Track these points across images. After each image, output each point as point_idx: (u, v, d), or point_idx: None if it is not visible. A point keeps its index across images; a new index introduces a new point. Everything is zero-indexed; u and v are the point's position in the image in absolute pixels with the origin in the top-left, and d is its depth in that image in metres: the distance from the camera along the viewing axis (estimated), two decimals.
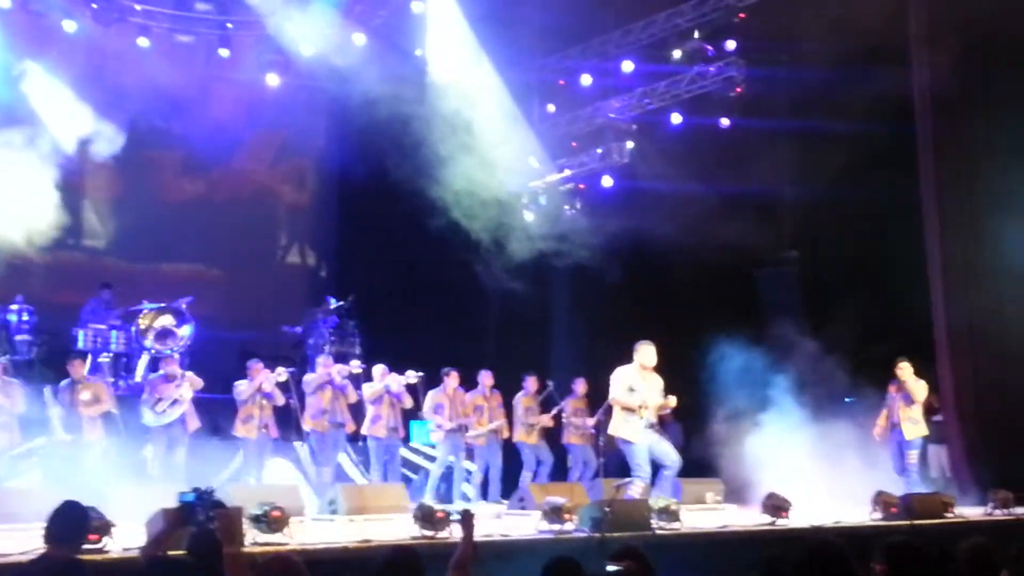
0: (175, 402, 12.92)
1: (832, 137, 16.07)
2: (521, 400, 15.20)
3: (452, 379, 14.34)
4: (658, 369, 12.17)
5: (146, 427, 13.05)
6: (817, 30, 15.42)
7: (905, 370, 13.40)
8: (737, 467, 13.99)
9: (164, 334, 15.50)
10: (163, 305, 15.61)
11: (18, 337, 15.10)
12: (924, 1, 15.36)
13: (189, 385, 13.06)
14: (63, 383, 12.71)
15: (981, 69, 15.14)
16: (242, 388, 13.21)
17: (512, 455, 15.27)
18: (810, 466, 13.45)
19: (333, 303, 16.87)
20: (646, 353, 11.92)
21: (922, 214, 15.47)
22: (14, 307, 15.23)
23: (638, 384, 11.84)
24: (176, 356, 14.16)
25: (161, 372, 13.41)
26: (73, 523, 5.57)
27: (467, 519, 6.14)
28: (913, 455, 13.25)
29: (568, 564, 5.39)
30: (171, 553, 5.96)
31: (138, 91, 18.03)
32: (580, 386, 15.47)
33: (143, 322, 15.56)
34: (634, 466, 11.77)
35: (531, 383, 15.27)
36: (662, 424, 12.85)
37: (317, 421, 13.35)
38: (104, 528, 8.38)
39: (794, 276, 18.30)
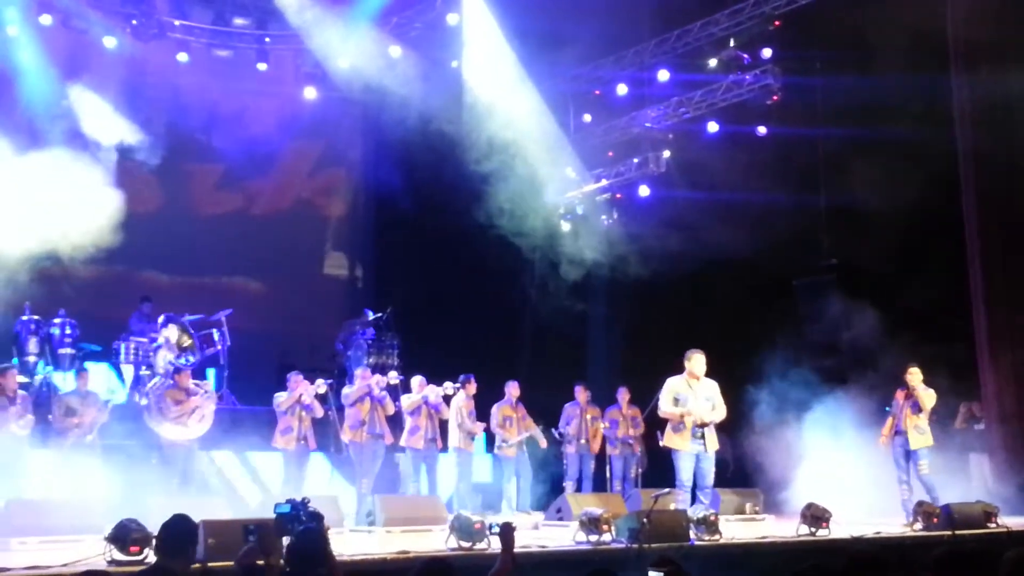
0: (202, 417, 12.91)
1: (871, 145, 15.95)
2: (610, 412, 15.34)
3: (513, 389, 14.67)
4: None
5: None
6: (854, 37, 15.34)
7: (915, 376, 12.98)
8: (777, 477, 13.92)
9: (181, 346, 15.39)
10: (204, 316, 15.67)
11: (61, 350, 15.25)
12: (965, 8, 15.23)
13: (213, 400, 13.06)
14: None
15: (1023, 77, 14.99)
16: (281, 400, 13.26)
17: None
18: (851, 476, 13.34)
19: (371, 315, 16.93)
20: (696, 362, 12.00)
21: (963, 221, 15.33)
22: (57, 320, 15.39)
23: (685, 393, 11.92)
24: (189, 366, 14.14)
25: (175, 383, 13.34)
26: (184, 536, 5.62)
27: (507, 532, 6.14)
28: (924, 465, 12.78)
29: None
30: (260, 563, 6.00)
31: (177, 105, 18.28)
32: (623, 396, 15.46)
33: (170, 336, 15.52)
34: (678, 477, 11.89)
35: (623, 396, 15.41)
36: None
37: (356, 432, 13.37)
38: (145, 540, 8.45)
39: (833, 285, 18.15)
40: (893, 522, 11.92)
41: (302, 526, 5.87)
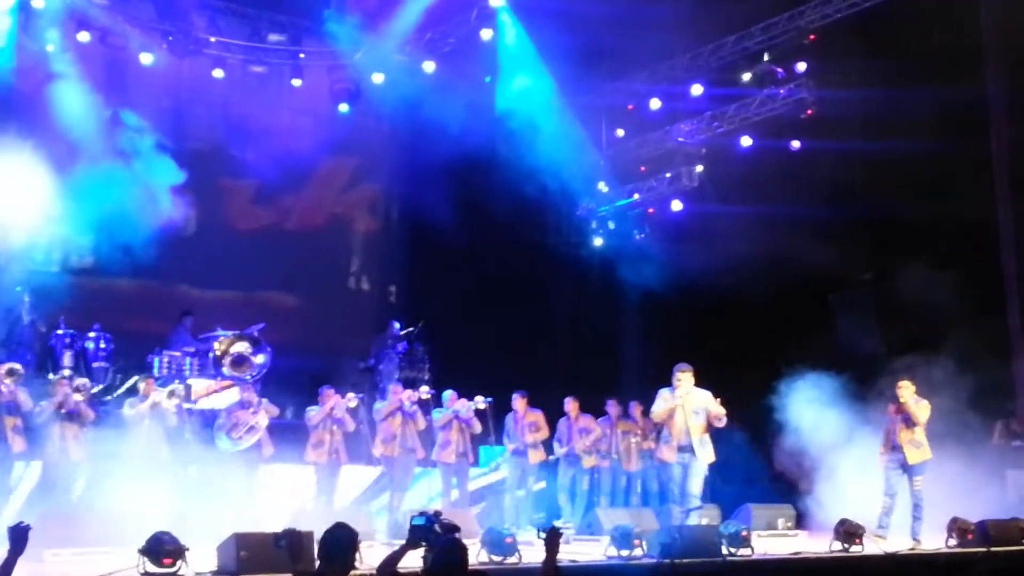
0: (251, 429, 13.00)
1: (905, 157, 15.85)
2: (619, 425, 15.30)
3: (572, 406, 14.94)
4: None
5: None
6: (888, 49, 15.26)
7: (905, 390, 12.53)
8: (812, 492, 13.81)
9: (239, 360, 15.59)
10: (238, 332, 15.74)
11: (96, 364, 15.36)
12: (997, 18, 15.13)
13: (265, 413, 13.15)
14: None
15: None
16: (313, 414, 13.31)
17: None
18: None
19: (402, 329, 16.96)
20: (682, 379, 11.92)
21: (998, 231, 15.20)
22: (92, 334, 15.51)
23: (670, 401, 11.92)
24: (251, 382, 14.30)
25: (238, 399, 13.53)
26: (345, 543, 5.91)
27: (553, 537, 6.11)
28: (919, 481, 12.25)
29: None
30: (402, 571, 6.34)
31: (212, 121, 18.41)
32: (636, 410, 15.39)
33: (219, 348, 15.68)
34: (668, 491, 12.16)
35: (634, 408, 15.38)
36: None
37: (388, 446, 13.40)
38: (178, 552, 8.49)
39: (868, 298, 18.03)
40: (930, 539, 11.74)
41: (439, 538, 6.14)
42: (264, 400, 13.43)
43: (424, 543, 6.30)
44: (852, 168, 17.34)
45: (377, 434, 13.55)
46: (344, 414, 13.30)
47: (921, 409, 12.43)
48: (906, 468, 12.37)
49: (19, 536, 5.77)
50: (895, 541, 11.53)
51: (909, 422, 12.36)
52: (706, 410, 11.84)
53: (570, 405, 14.97)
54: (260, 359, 15.66)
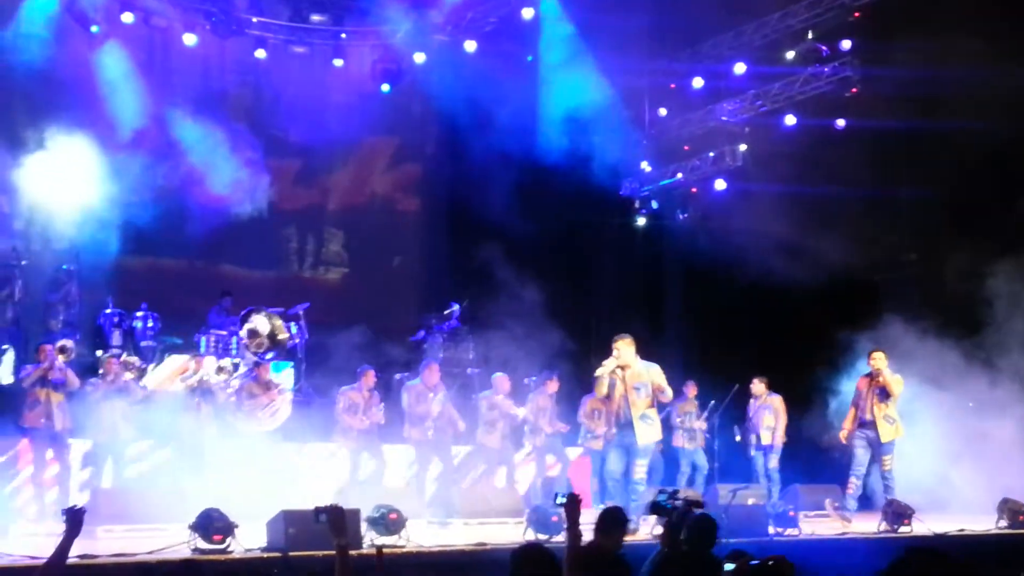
0: (275, 412, 13.01)
1: (951, 136, 15.67)
2: (679, 406, 15.13)
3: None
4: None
5: None
6: (934, 27, 15.07)
7: (879, 360, 11.86)
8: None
9: (252, 333, 14.81)
10: (282, 311, 15.77)
11: (143, 343, 15.51)
12: None
13: (289, 396, 13.16)
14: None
15: None
16: (350, 393, 13.38)
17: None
18: (938, 472, 13.10)
19: (447, 309, 16.99)
20: (622, 348, 10.85)
21: None
22: (139, 313, 15.66)
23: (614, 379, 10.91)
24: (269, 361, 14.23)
25: (256, 377, 13.44)
26: (618, 518, 6.87)
27: (572, 504, 6.11)
28: (888, 460, 11.79)
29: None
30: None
31: (255, 101, 18.48)
32: (690, 389, 15.32)
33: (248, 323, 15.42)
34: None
35: (690, 389, 15.27)
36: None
37: (420, 428, 13.38)
38: (228, 529, 8.57)
39: (914, 280, 17.88)
40: (980, 520, 11.64)
41: (683, 514, 6.67)
42: (286, 390, 13.41)
43: (665, 515, 6.78)
44: (898, 147, 17.17)
45: (409, 415, 13.51)
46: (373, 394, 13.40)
47: (896, 382, 11.90)
48: (875, 446, 11.84)
49: (75, 519, 5.84)
50: (938, 522, 11.43)
51: (884, 395, 11.81)
52: (650, 383, 10.79)
53: None
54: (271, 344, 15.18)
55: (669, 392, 11.10)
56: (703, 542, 6.49)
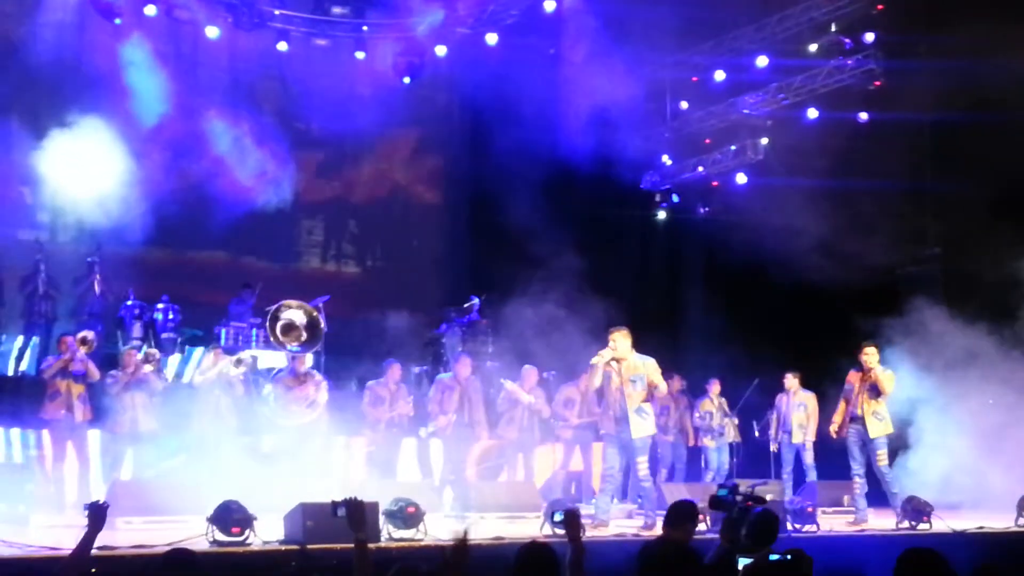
0: (312, 403, 13.03)
1: (977, 130, 15.55)
2: (701, 404, 15.21)
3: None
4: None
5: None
6: (958, 19, 14.95)
7: (871, 356, 11.68)
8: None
9: (288, 328, 15.01)
10: (302, 304, 15.78)
11: (164, 335, 15.59)
12: None
13: (325, 387, 13.17)
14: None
15: None
16: (376, 388, 13.40)
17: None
18: (961, 467, 13.03)
19: (465, 302, 17.00)
20: (618, 340, 10.73)
21: None
22: (160, 306, 15.75)
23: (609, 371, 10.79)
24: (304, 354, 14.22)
25: (292, 371, 13.44)
26: (688, 511, 6.86)
27: (571, 518, 6.08)
28: (883, 456, 11.62)
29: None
30: None
31: (276, 94, 18.53)
32: (712, 387, 15.30)
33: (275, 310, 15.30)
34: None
35: (712, 386, 15.25)
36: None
37: (444, 421, 13.39)
38: (246, 521, 8.60)
39: (938, 275, 17.77)
40: (1000, 518, 11.56)
41: (744, 509, 6.70)
42: (322, 379, 13.42)
43: (727, 509, 6.81)
44: (921, 140, 17.06)
45: (434, 408, 13.52)
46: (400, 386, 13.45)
47: (887, 379, 11.75)
48: (866, 442, 11.71)
49: (98, 514, 5.88)
50: (958, 519, 11.37)
51: (874, 391, 11.66)
52: (645, 378, 10.64)
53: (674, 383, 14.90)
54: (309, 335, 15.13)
55: (663, 387, 11.04)
56: (765, 538, 6.44)
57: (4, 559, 7.74)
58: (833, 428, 12.13)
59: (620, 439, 10.68)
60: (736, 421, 15.16)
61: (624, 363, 10.62)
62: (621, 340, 10.65)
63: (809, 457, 14.41)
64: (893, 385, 11.79)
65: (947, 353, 13.91)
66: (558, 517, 6.21)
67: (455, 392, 13.40)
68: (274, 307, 14.27)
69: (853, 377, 11.90)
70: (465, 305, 16.98)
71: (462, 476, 13.34)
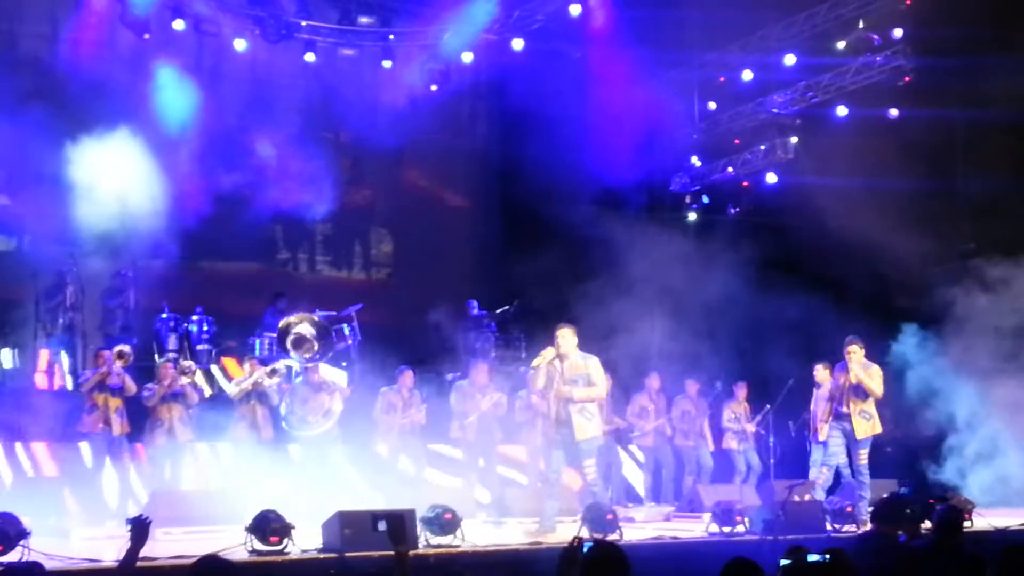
0: (327, 412, 13.06)
1: (1008, 126, 15.45)
2: (729, 406, 15.18)
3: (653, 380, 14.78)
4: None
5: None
6: (988, 15, 14.86)
7: (856, 355, 11.37)
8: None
9: (299, 341, 14.44)
10: (335, 313, 15.83)
11: (199, 347, 15.67)
12: None
13: (340, 396, 13.19)
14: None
15: None
16: (389, 394, 13.43)
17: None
18: (991, 464, 12.94)
19: (497, 308, 17.02)
20: (562, 338, 10.32)
21: None
22: (195, 317, 15.83)
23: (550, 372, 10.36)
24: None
25: (306, 380, 13.42)
26: (899, 504, 7.07)
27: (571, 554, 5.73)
28: (863, 455, 11.32)
29: (747, 565, 5.29)
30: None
31: (306, 104, 18.61)
32: (740, 390, 15.24)
33: (285, 324, 15.26)
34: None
35: (740, 390, 15.19)
36: None
37: (467, 427, 13.38)
38: (284, 530, 8.63)
39: (969, 272, 17.62)
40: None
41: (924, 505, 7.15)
42: (338, 384, 13.44)
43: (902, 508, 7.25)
44: (952, 137, 16.93)
45: (456, 415, 13.52)
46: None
47: (874, 378, 11.47)
48: (850, 440, 11.47)
49: (141, 528, 5.89)
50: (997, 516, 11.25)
51: (860, 392, 11.42)
52: (588, 377, 10.23)
53: (654, 381, 14.86)
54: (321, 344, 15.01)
55: (601, 388, 10.50)
56: (951, 534, 6.71)
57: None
58: (820, 426, 11.96)
59: (564, 443, 10.27)
60: (754, 428, 15.05)
61: (566, 362, 10.20)
62: (567, 337, 10.24)
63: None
64: (880, 380, 11.54)
65: (982, 350, 13.80)
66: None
67: (474, 399, 13.37)
68: (282, 325, 14.28)
69: (839, 375, 11.68)
70: (496, 311, 17.00)
71: (496, 482, 13.35)
